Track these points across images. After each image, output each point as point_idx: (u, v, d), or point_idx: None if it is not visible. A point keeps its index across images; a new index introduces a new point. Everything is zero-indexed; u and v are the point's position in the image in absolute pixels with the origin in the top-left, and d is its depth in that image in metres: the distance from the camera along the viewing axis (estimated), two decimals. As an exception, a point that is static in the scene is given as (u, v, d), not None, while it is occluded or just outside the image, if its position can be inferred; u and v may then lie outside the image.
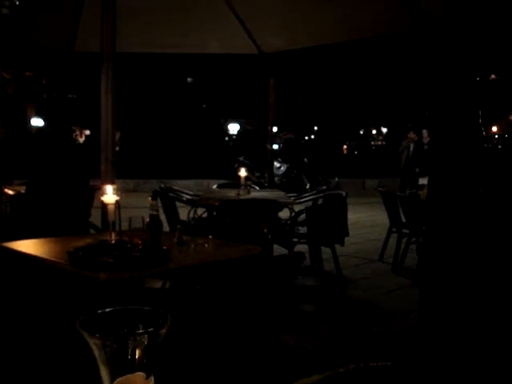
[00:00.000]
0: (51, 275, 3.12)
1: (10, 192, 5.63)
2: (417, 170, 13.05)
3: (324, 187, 8.23)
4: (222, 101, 27.91)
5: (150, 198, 2.74)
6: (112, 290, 2.76)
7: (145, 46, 7.78)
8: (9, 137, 5.69)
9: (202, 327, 3.21)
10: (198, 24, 7.00)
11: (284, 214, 6.44)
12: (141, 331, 0.69)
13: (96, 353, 0.68)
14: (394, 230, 6.98)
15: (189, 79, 30.25)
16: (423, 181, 7.72)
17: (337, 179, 16.38)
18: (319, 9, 6.38)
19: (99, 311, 0.72)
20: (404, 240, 6.64)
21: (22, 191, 5.46)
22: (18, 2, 5.44)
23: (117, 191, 3.05)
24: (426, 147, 13.45)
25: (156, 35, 7.32)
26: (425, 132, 13.69)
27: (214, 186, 7.80)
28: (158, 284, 4.15)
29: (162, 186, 6.60)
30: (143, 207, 4.62)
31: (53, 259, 2.89)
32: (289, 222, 6.11)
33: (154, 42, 7.53)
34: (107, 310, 0.74)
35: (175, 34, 7.23)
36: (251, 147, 18.60)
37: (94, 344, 0.67)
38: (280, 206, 5.28)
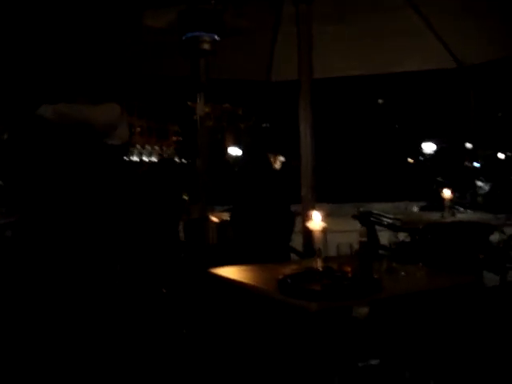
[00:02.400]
0: (258, 302, 3.12)
1: (216, 219, 5.85)
2: None
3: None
4: (415, 120, 27.20)
5: (358, 225, 2.62)
6: (320, 318, 2.67)
7: (339, 70, 7.76)
8: (210, 166, 5.98)
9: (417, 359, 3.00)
10: (392, 41, 6.82)
11: (492, 237, 5.97)
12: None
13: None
14: None
15: (380, 100, 29.96)
16: None
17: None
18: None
19: (360, 364, 0.61)
20: None
21: (226, 218, 5.65)
22: (218, 38, 5.70)
23: (324, 217, 2.97)
24: None
25: (350, 58, 7.27)
26: None
27: (415, 209, 7.49)
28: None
29: (362, 209, 6.47)
30: (340, 232, 4.55)
31: (262, 286, 2.88)
32: (501, 245, 5.64)
33: (349, 65, 7.48)
34: (366, 363, 0.62)
35: (368, 55, 7.11)
36: (448, 166, 17.82)
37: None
38: (492, 228, 4.89)
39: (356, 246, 2.74)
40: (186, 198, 6.77)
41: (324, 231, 2.98)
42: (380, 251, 4.09)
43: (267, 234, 4.94)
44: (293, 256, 5.42)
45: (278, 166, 6.68)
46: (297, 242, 5.46)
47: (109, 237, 3.40)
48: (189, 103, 20.05)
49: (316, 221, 2.98)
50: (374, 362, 0.56)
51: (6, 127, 3.51)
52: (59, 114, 3.35)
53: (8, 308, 3.10)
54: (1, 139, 3.46)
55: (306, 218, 3.44)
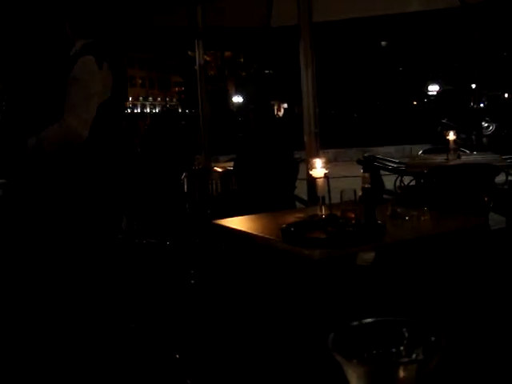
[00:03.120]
0: (263, 251, 3.11)
1: (219, 169, 5.82)
2: None
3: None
4: (419, 61, 26.79)
5: (361, 171, 2.59)
6: (323, 266, 2.67)
7: (340, 13, 7.58)
8: (213, 115, 5.92)
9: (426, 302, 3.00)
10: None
11: (498, 178, 5.93)
12: (406, 360, 0.54)
13: (350, 376, 0.55)
14: None
15: (383, 43, 29.48)
16: None
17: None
18: None
19: (354, 324, 0.59)
20: None
21: (230, 168, 5.62)
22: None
23: (325, 164, 2.94)
24: None
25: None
26: None
27: (420, 152, 7.42)
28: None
29: (366, 154, 6.42)
30: (344, 177, 4.53)
31: (266, 236, 2.87)
32: (506, 187, 5.61)
33: (350, 7, 7.30)
34: (361, 322, 0.60)
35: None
36: (453, 108, 17.62)
37: (349, 369, 0.54)
38: (497, 169, 4.84)
39: (360, 192, 2.71)
40: (189, 148, 6.73)
41: (327, 178, 2.95)
42: (385, 196, 4.07)
43: (271, 182, 4.92)
44: (298, 204, 5.41)
45: (281, 113, 6.59)
46: (301, 189, 5.44)
47: (112, 192, 3.39)
48: (189, 52, 19.77)
49: (318, 168, 2.95)
50: (369, 320, 0.54)
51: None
52: (55, 146, 3.28)
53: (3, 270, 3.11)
54: None
55: (308, 165, 3.41)
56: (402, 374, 0.53)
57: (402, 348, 0.56)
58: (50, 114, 3.26)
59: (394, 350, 0.56)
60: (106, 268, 3.02)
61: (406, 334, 0.56)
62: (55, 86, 3.31)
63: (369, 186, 2.64)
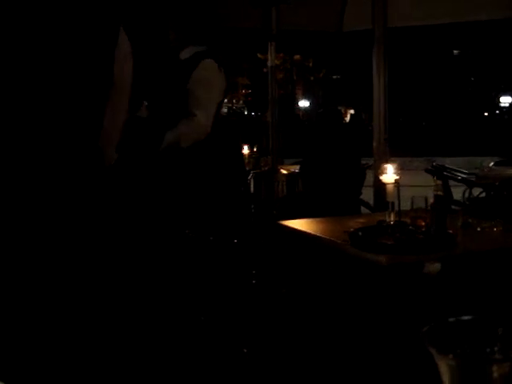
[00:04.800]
0: (327, 254, 3.11)
1: (285, 172, 5.84)
2: None
3: None
4: (492, 72, 26.11)
5: (434, 178, 2.55)
6: (391, 272, 2.65)
7: (413, 19, 7.47)
8: (280, 119, 5.96)
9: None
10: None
11: None
12: (501, 357, 0.54)
13: (444, 371, 0.55)
14: None
15: (455, 51, 28.88)
16: None
17: None
18: None
19: (450, 320, 0.58)
20: None
21: (296, 170, 5.63)
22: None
23: (397, 170, 2.91)
24: None
25: (425, 6, 6.98)
26: None
27: (491, 164, 7.25)
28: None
29: (434, 164, 6.31)
30: (410, 186, 4.46)
31: (332, 239, 2.86)
32: None
33: (424, 13, 7.18)
34: (457, 318, 0.60)
35: (444, 2, 6.80)
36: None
37: (443, 363, 0.54)
38: None
39: (430, 200, 2.67)
40: (255, 150, 6.77)
41: (397, 184, 2.92)
42: (453, 207, 3.99)
43: (337, 186, 4.90)
44: (363, 209, 5.37)
45: (347, 118, 6.57)
46: (365, 196, 5.40)
47: (181, 191, 3.45)
48: (258, 55, 19.90)
49: (389, 174, 2.92)
50: (465, 317, 0.54)
51: None
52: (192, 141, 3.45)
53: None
54: None
55: (377, 171, 3.38)
56: (494, 371, 0.52)
57: (496, 348, 0.56)
58: (175, 113, 3.46)
59: (488, 348, 0.56)
60: (175, 261, 3.08)
61: (501, 334, 0.55)
62: (176, 86, 3.53)
63: (441, 193, 2.60)
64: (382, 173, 2.94)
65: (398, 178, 2.90)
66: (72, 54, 1.80)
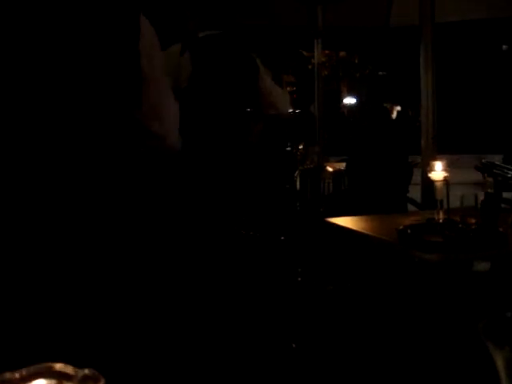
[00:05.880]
0: (375, 251, 3.10)
1: (331, 169, 5.83)
2: None
3: None
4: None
5: (485, 175, 2.53)
6: (439, 271, 2.63)
7: (462, 13, 7.35)
8: (326, 116, 5.97)
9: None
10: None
11: None
12: None
13: (500, 364, 0.56)
14: None
15: (504, 46, 28.24)
16: None
17: None
18: None
19: (507, 314, 0.60)
20: None
21: (342, 168, 5.62)
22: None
23: (446, 167, 2.89)
24: None
25: (474, 0, 6.86)
26: None
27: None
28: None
29: (484, 161, 6.21)
30: (458, 184, 4.40)
31: (381, 237, 2.86)
32: None
33: (473, 7, 7.06)
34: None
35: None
36: None
37: (500, 356, 0.56)
38: None
39: (480, 198, 2.65)
40: (301, 147, 6.77)
41: (446, 182, 2.89)
42: (502, 205, 3.93)
43: (384, 184, 4.87)
44: (410, 207, 5.32)
45: (393, 115, 6.52)
46: (412, 193, 5.35)
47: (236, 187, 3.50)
48: (303, 52, 19.84)
49: (438, 171, 2.90)
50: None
51: None
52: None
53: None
54: None
55: (426, 168, 3.35)
56: None
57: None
58: None
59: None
60: (228, 258, 3.12)
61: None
62: None
63: (492, 191, 2.57)
64: (431, 170, 2.92)
65: (447, 175, 2.88)
66: (88, 51, 1.74)
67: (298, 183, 5.39)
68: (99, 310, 1.69)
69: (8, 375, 0.75)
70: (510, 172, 6.21)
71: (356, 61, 22.69)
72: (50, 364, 0.76)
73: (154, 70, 1.92)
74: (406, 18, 6.66)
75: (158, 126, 1.94)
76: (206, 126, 3.53)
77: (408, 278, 2.78)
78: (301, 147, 6.69)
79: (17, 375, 0.75)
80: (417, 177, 5.32)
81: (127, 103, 1.84)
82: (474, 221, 2.62)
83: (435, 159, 3.63)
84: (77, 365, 0.76)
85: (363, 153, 5.18)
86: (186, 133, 3.43)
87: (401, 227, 2.70)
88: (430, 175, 2.93)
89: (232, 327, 2.40)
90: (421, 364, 2.46)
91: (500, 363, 0.56)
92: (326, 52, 18.78)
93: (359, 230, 3.15)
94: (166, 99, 2.00)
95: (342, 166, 5.62)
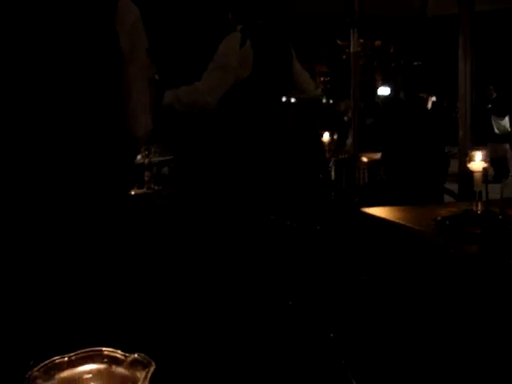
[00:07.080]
0: (412, 242, 3.08)
1: (366, 159, 5.80)
2: None
3: None
4: None
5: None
6: (477, 263, 2.60)
7: (502, 1, 7.21)
8: (362, 107, 5.96)
9: None
10: None
11: None
12: None
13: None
14: None
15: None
16: None
17: None
18: None
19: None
20: None
21: (377, 158, 5.59)
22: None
23: (485, 158, 2.84)
24: None
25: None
26: None
27: None
28: None
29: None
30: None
31: (418, 227, 2.84)
32: None
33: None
34: None
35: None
36: None
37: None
38: None
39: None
40: (335, 138, 6.75)
41: (485, 173, 2.85)
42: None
43: (420, 174, 4.83)
44: (446, 198, 5.26)
45: (429, 105, 6.45)
46: (448, 184, 5.29)
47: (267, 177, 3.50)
48: (338, 41, 19.68)
49: (477, 162, 2.86)
50: None
51: None
52: (185, 105, 3.45)
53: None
54: None
55: (464, 159, 3.31)
56: None
57: None
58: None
59: None
60: (261, 247, 3.14)
61: None
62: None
63: (533, 182, 2.53)
64: (470, 160, 2.88)
65: (486, 165, 2.84)
66: (60, 34, 1.74)
67: (333, 173, 5.39)
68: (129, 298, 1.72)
69: (58, 360, 0.76)
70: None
71: (391, 50, 22.41)
72: (98, 348, 0.77)
73: (134, 50, 1.90)
74: (443, 7, 6.56)
75: (127, 106, 1.93)
76: (259, 115, 3.55)
77: (444, 269, 2.75)
78: (335, 137, 6.68)
79: (66, 359, 0.76)
80: (453, 168, 5.26)
81: (107, 83, 1.83)
82: (514, 212, 2.58)
83: (472, 150, 3.59)
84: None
85: (400, 143, 5.13)
86: (242, 121, 3.43)
87: (439, 218, 2.68)
88: (468, 165, 2.89)
89: (266, 317, 2.41)
90: (457, 355, 2.44)
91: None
92: (361, 41, 18.59)
93: (395, 220, 3.13)
94: (140, 82, 1.97)
95: (377, 155, 5.58)
